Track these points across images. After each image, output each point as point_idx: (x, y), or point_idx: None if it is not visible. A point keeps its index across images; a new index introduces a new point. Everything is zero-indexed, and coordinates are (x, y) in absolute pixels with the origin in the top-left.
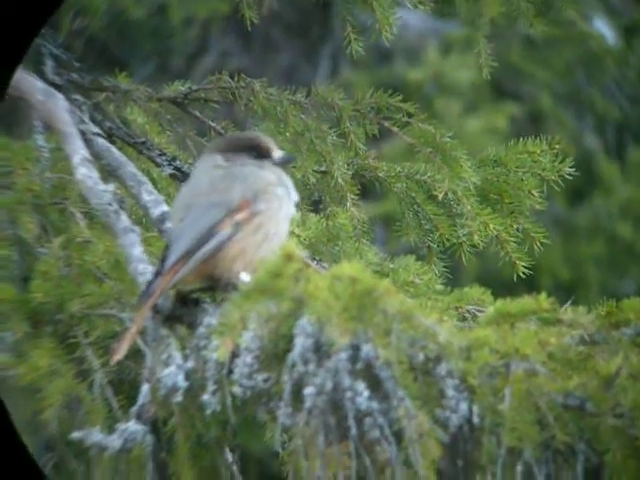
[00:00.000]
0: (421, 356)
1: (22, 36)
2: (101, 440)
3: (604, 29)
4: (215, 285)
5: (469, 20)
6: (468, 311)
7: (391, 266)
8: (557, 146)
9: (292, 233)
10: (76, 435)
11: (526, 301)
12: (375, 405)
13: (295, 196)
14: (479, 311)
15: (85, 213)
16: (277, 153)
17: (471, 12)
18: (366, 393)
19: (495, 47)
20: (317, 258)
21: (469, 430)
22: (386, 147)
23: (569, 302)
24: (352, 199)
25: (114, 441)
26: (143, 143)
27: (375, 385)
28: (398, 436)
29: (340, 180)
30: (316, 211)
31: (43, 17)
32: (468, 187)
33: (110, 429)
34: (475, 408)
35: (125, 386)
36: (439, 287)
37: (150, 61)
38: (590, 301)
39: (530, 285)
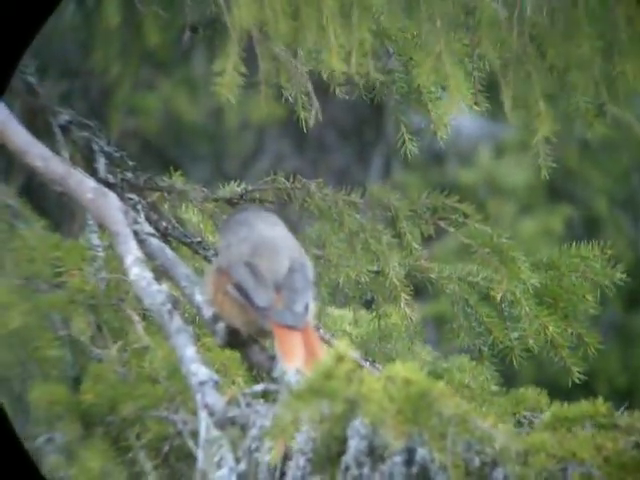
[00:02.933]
0: (477, 460)
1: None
2: None
3: None
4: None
5: (523, 125)
6: (525, 416)
7: (445, 365)
8: (609, 251)
9: (344, 331)
10: None
11: (583, 405)
12: None
13: None
14: (535, 417)
15: (142, 315)
16: None
17: (525, 128)
18: None
19: (551, 149)
20: (369, 359)
21: None
22: (438, 247)
23: (624, 407)
24: (405, 299)
25: None
26: (199, 243)
27: None
28: None
29: (395, 280)
30: (368, 310)
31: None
32: (527, 288)
33: None
34: None
35: None
36: (494, 388)
37: (205, 163)
38: None
39: (586, 390)
